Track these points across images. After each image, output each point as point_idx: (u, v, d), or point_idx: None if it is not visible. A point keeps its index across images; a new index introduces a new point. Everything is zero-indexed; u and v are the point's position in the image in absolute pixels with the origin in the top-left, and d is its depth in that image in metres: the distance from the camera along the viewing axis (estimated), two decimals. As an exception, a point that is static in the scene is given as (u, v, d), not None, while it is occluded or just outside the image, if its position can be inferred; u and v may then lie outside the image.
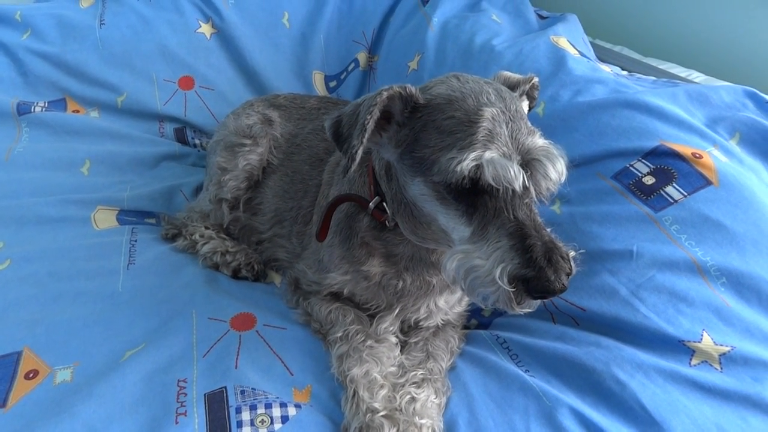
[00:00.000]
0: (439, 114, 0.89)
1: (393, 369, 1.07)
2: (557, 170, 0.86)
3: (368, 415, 0.96)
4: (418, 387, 1.01)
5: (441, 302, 1.17)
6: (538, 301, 0.86)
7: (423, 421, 0.95)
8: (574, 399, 0.99)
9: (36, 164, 1.69)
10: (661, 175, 1.21)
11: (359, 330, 1.11)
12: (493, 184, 0.82)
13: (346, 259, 1.14)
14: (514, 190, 0.83)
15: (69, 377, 1.02)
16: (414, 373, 1.05)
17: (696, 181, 1.18)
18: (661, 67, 1.90)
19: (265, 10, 2.13)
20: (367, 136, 0.88)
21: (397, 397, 1.00)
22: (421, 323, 1.19)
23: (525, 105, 1.07)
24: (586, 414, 0.95)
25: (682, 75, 1.82)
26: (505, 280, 0.81)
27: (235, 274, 1.41)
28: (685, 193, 1.17)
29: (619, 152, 1.28)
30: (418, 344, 1.15)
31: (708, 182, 1.17)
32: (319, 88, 2.13)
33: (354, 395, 0.99)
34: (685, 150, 1.22)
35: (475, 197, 0.86)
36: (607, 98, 1.38)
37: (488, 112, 0.86)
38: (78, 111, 1.96)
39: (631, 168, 1.25)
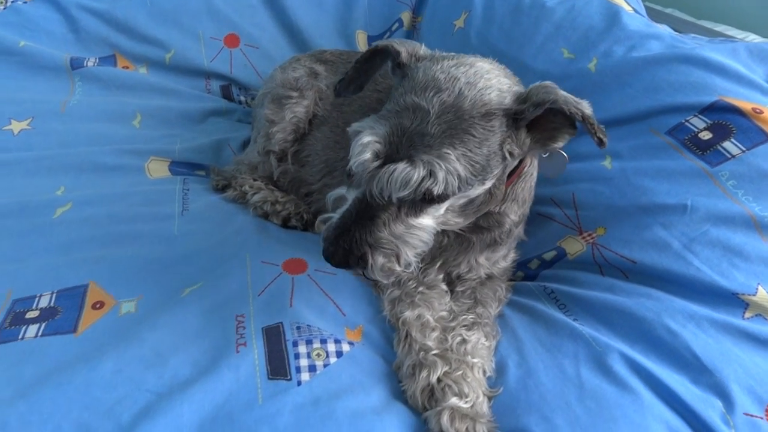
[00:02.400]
0: (402, 82, 0.96)
1: (444, 314, 1.09)
2: (396, 180, 0.86)
3: (421, 353, 0.98)
4: (469, 329, 1.04)
5: (482, 259, 1.19)
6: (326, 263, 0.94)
7: (475, 360, 0.97)
8: (624, 346, 1.00)
9: (90, 116, 1.74)
10: (718, 131, 1.20)
11: (411, 276, 1.13)
12: (351, 155, 0.89)
13: None
14: (361, 179, 0.90)
15: (133, 309, 1.07)
16: (464, 317, 1.07)
17: (756, 136, 1.16)
18: (716, 29, 1.84)
19: (309, -31, 2.13)
20: (351, 74, 1.05)
21: (449, 338, 1.02)
22: (463, 276, 1.21)
23: (567, 134, 0.96)
24: (637, 359, 0.96)
25: (738, 37, 1.76)
26: (325, 227, 0.94)
27: (285, 223, 1.44)
28: (744, 149, 1.15)
29: (675, 107, 1.26)
30: (466, 292, 1.17)
31: (768, 137, 1.15)
32: (362, 47, 2.13)
33: (406, 336, 1.02)
34: (745, 105, 1.19)
35: None
36: (663, 53, 1.35)
37: (415, 103, 0.88)
38: (127, 67, 2.00)
39: (686, 123, 1.23)
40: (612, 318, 1.06)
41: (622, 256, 1.15)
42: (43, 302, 1.09)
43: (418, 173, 0.85)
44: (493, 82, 0.92)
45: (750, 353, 0.97)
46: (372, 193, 0.89)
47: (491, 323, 1.09)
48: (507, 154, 0.94)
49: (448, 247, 1.16)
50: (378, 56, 1.03)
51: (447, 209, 0.97)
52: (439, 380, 0.94)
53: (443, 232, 1.13)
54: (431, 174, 0.85)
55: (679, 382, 0.93)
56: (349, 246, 0.90)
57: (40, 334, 1.01)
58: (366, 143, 0.87)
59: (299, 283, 1.15)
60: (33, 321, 1.04)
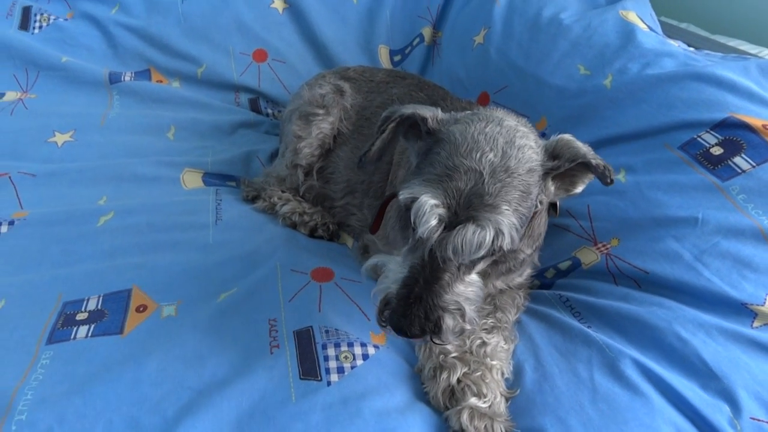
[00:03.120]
0: (438, 146, 0.96)
1: None
2: (471, 242, 0.87)
3: (441, 356, 1.04)
4: (488, 333, 1.09)
5: (498, 283, 1.24)
6: (396, 336, 0.92)
7: (493, 363, 1.03)
8: (636, 353, 1.05)
9: (128, 129, 1.85)
10: (729, 146, 1.24)
11: None
12: (412, 219, 0.90)
13: (405, 244, 1.22)
14: (428, 245, 0.90)
15: (174, 312, 1.16)
16: (484, 321, 1.12)
17: (765, 152, 1.20)
18: (730, 44, 1.87)
19: (334, -14, 2.21)
20: (378, 144, 1.04)
21: (468, 341, 1.08)
22: None
23: (586, 180, 1.06)
24: (648, 365, 1.01)
25: (753, 52, 1.79)
26: (381, 297, 0.93)
27: (312, 233, 1.52)
28: (754, 164, 1.20)
29: (687, 123, 1.30)
30: (486, 299, 1.21)
31: (778, 153, 1.19)
32: (384, 61, 2.20)
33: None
34: (756, 122, 1.24)
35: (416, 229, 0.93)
36: (676, 71, 1.40)
37: (465, 165, 0.90)
38: (161, 81, 2.10)
39: (698, 139, 1.28)
40: (625, 326, 1.11)
41: (635, 267, 1.19)
42: (91, 305, 1.17)
43: (490, 233, 0.87)
44: (524, 141, 0.97)
45: (758, 360, 1.01)
46: (443, 256, 0.89)
47: (510, 328, 1.15)
48: (538, 204, 1.01)
49: None
50: (402, 125, 1.06)
51: None
52: (458, 381, 1.00)
53: None
54: (499, 232, 0.88)
55: (689, 388, 0.98)
56: (425, 314, 0.89)
57: (90, 334, 1.09)
58: (430, 209, 0.88)
59: (327, 290, 1.22)
60: (83, 322, 1.13)
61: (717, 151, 1.25)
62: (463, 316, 0.92)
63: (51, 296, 1.19)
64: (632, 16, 1.64)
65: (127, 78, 2.03)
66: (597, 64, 1.53)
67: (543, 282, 1.35)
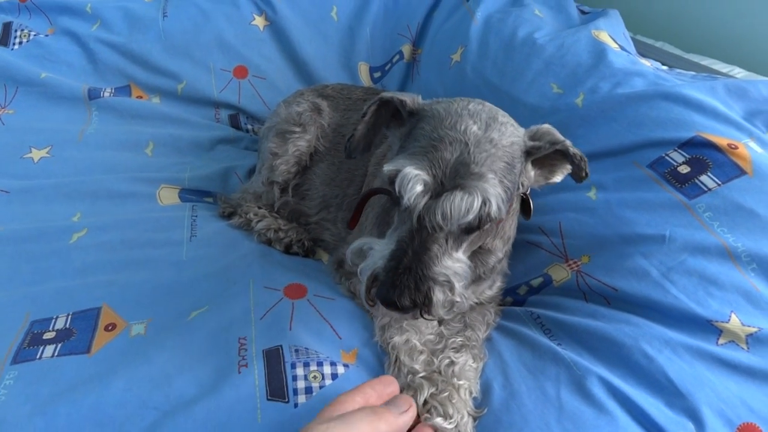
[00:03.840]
0: (421, 122, 0.98)
1: (431, 337, 1.15)
2: (459, 208, 0.87)
3: (409, 376, 1.04)
4: (457, 352, 1.09)
5: (467, 293, 1.23)
6: (390, 311, 0.91)
7: (461, 383, 1.03)
8: (603, 370, 1.05)
9: (106, 144, 1.84)
10: (696, 165, 1.26)
11: None
12: (397, 190, 0.89)
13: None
14: (415, 213, 0.90)
15: (143, 331, 1.15)
16: (453, 339, 1.13)
17: (730, 170, 1.22)
18: (702, 63, 1.92)
19: (315, 4, 2.24)
20: (361, 129, 1.06)
21: (436, 360, 1.08)
22: None
23: (565, 170, 1.09)
24: (615, 383, 1.01)
25: (724, 71, 1.84)
26: (368, 273, 0.91)
27: (287, 250, 1.52)
28: (720, 182, 1.22)
29: (656, 142, 1.32)
30: (456, 317, 1.22)
31: (743, 172, 1.21)
32: (365, 78, 2.22)
33: (396, 360, 1.08)
34: (721, 141, 1.26)
35: (400, 205, 0.94)
36: (645, 90, 1.42)
37: (450, 136, 0.92)
38: (141, 97, 2.11)
39: (666, 157, 1.30)
40: (593, 343, 1.11)
41: (605, 284, 1.20)
42: (59, 324, 1.16)
43: (477, 199, 0.87)
44: (507, 119, 1.01)
45: (722, 378, 1.01)
46: (431, 224, 0.89)
47: (479, 346, 1.15)
48: (520, 185, 1.02)
49: None
50: (383, 108, 1.08)
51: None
52: (425, 402, 1.00)
53: None
54: (486, 200, 0.88)
55: (654, 405, 0.98)
56: (415, 284, 0.87)
57: (56, 354, 1.08)
58: (413, 176, 0.88)
59: (299, 308, 1.22)
60: (50, 342, 1.11)
61: (684, 169, 1.27)
62: (452, 289, 0.91)
63: (19, 315, 1.17)
64: (604, 36, 1.67)
65: (107, 94, 2.03)
66: (569, 83, 1.56)
67: (515, 299, 1.36)
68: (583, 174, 1.05)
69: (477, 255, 1.15)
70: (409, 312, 0.90)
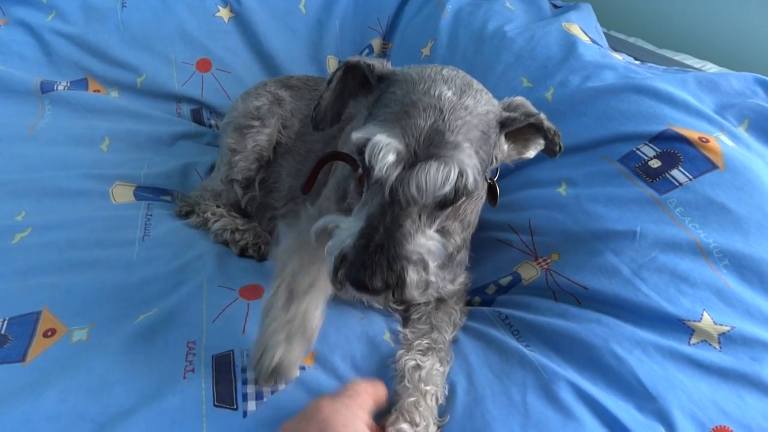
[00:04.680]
0: (392, 87, 0.92)
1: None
2: (435, 178, 0.81)
3: None
4: (423, 355, 1.04)
5: (441, 273, 1.18)
6: (360, 294, 0.85)
7: (428, 388, 0.97)
8: (572, 373, 1.01)
9: (58, 140, 1.74)
10: (667, 159, 1.23)
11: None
12: (367, 161, 0.83)
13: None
14: (387, 186, 0.83)
15: (85, 336, 1.07)
16: (419, 341, 1.07)
17: (702, 164, 1.19)
18: (675, 58, 1.89)
19: (282, -5, 2.17)
20: (327, 97, 0.99)
21: (402, 362, 1.02)
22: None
23: (538, 145, 1.05)
24: (583, 387, 0.97)
25: (696, 66, 1.82)
26: (336, 253, 0.84)
27: (242, 253, 1.44)
28: (691, 177, 1.18)
29: (626, 136, 1.29)
30: (422, 318, 1.17)
31: (714, 166, 1.18)
32: (333, 73, 2.16)
33: None
34: (692, 134, 1.23)
35: (370, 178, 0.87)
36: (615, 83, 1.39)
37: (424, 102, 0.86)
38: (99, 91, 2.01)
39: (637, 151, 1.26)
40: (562, 344, 1.07)
41: (575, 282, 1.16)
42: (-6, 329, 1.08)
43: (454, 170, 0.82)
44: (481, 87, 0.96)
45: (694, 379, 0.98)
46: (405, 197, 0.83)
47: (446, 348, 1.09)
48: (494, 158, 0.97)
49: None
50: (350, 74, 1.00)
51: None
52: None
53: None
54: (462, 171, 0.82)
55: (624, 409, 0.94)
56: (387, 264, 0.80)
57: (-12, 362, 1.00)
58: (385, 145, 0.82)
59: (254, 309, 1.15)
60: (-18, 349, 1.03)
61: (655, 164, 1.24)
62: (426, 268, 0.84)
63: (-52, 321, 1.09)
64: (575, 29, 1.64)
65: (62, 87, 1.93)
66: (539, 76, 1.52)
67: (483, 299, 1.31)
68: (557, 148, 1.02)
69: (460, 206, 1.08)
70: (381, 294, 0.82)
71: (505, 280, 1.28)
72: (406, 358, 1.03)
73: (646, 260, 1.12)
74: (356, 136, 0.85)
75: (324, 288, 0.96)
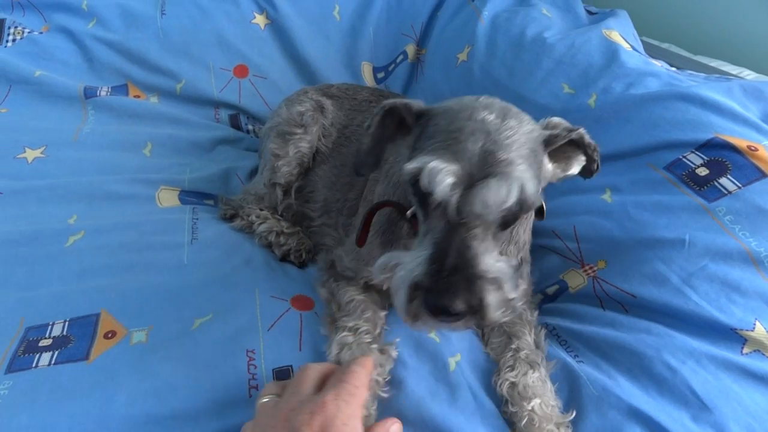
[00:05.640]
0: (433, 120, 0.92)
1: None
2: (498, 195, 0.81)
3: None
4: (512, 369, 1.03)
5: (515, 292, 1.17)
6: (439, 324, 0.81)
7: (533, 403, 0.97)
8: (623, 383, 1.01)
9: (102, 145, 1.79)
10: (715, 167, 1.22)
11: (368, 331, 1.09)
12: (425, 187, 0.82)
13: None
14: (452, 207, 0.82)
15: (144, 339, 1.09)
16: (503, 359, 1.06)
17: (751, 173, 1.19)
18: (711, 64, 1.88)
19: (317, 3, 2.19)
20: (368, 143, 0.99)
21: (498, 388, 1.03)
22: None
23: (579, 162, 1.03)
24: (634, 402, 0.97)
25: (733, 72, 1.80)
26: (407, 283, 0.81)
27: (284, 258, 1.46)
28: (740, 185, 1.18)
29: (672, 144, 1.29)
30: (494, 329, 1.15)
31: (763, 174, 1.17)
32: (368, 78, 2.18)
33: None
34: (740, 143, 1.23)
35: (428, 204, 0.87)
36: (660, 91, 1.39)
37: (470, 126, 0.86)
38: (139, 96, 2.05)
39: (684, 159, 1.26)
40: (612, 353, 1.07)
41: (622, 290, 1.17)
42: (56, 330, 1.11)
43: (515, 183, 0.81)
44: (519, 110, 0.95)
45: (749, 390, 0.98)
46: (470, 215, 0.82)
47: (533, 351, 1.08)
48: (542, 178, 0.96)
49: None
50: (387, 118, 1.00)
51: None
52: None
53: None
54: (522, 185, 0.82)
55: (677, 421, 0.94)
56: (467, 284, 0.78)
57: (53, 362, 1.03)
58: (441, 168, 0.81)
59: (307, 320, 1.17)
60: (46, 349, 1.06)
61: (703, 171, 1.24)
62: (501, 288, 0.81)
63: (13, 321, 1.12)
64: (615, 36, 1.64)
65: (103, 93, 1.98)
66: (581, 83, 1.52)
67: (530, 307, 1.31)
68: (595, 166, 1.00)
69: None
70: (461, 319, 0.79)
71: (551, 289, 1.29)
72: (499, 381, 1.03)
73: (696, 269, 1.12)
74: (410, 167, 0.85)
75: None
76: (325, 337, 1.11)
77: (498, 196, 0.81)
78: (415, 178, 0.85)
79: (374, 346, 1.05)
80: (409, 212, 1.04)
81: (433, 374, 1.04)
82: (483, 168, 0.83)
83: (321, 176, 1.57)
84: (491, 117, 0.88)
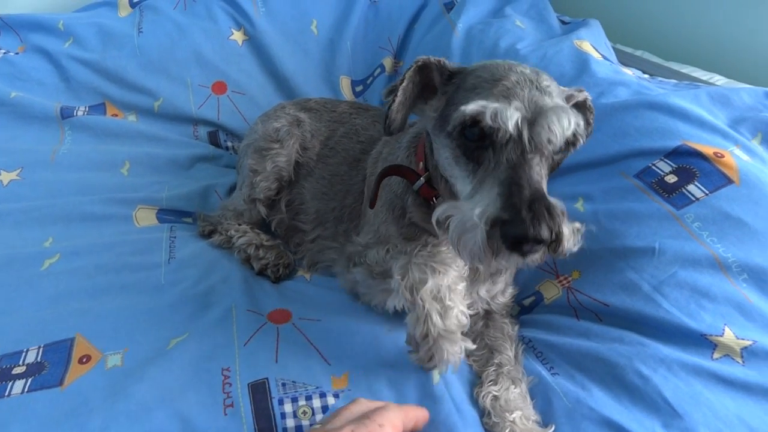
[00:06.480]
0: (469, 76, 0.96)
1: (461, 287, 1.01)
2: (561, 123, 0.86)
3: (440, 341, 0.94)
4: (495, 384, 1.06)
5: (482, 291, 1.20)
6: (517, 258, 0.82)
7: (514, 415, 0.99)
8: (597, 393, 1.03)
9: (79, 165, 1.77)
10: (683, 174, 1.25)
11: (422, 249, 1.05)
12: (489, 122, 0.85)
13: (402, 235, 1.17)
14: (514, 144, 0.86)
15: (119, 362, 1.09)
16: (486, 372, 1.09)
17: (717, 179, 1.21)
18: (682, 70, 1.92)
19: (294, 17, 2.20)
20: (399, 97, 0.97)
21: (480, 400, 1.04)
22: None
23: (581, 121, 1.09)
24: (607, 413, 0.99)
25: (704, 78, 1.84)
26: (484, 220, 0.81)
27: (260, 272, 1.46)
28: (707, 191, 1.20)
29: (642, 152, 1.31)
30: (475, 340, 1.17)
31: (729, 181, 1.20)
32: (346, 92, 2.20)
33: (425, 317, 0.95)
34: (707, 149, 1.25)
35: (480, 152, 0.90)
36: (629, 99, 1.41)
37: (513, 76, 0.91)
38: (117, 115, 2.04)
39: (653, 167, 1.29)
40: (586, 363, 1.09)
41: (596, 300, 1.18)
42: (30, 357, 1.10)
43: (570, 114, 0.87)
44: None
45: (719, 395, 0.99)
46: (541, 142, 0.86)
47: (514, 366, 1.11)
48: None
49: None
50: (421, 73, 1.01)
51: None
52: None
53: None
54: (576, 119, 0.89)
55: (650, 430, 0.95)
56: (547, 212, 0.80)
57: (26, 389, 1.02)
58: (505, 108, 0.85)
59: (284, 333, 1.17)
60: (20, 377, 1.05)
61: (671, 179, 1.26)
62: (567, 219, 0.84)
63: (-14, 350, 1.11)
64: (586, 46, 1.67)
65: (80, 112, 1.97)
66: (553, 93, 1.54)
67: (507, 318, 1.33)
68: (590, 130, 1.12)
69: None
70: (541, 250, 0.81)
71: (528, 301, 1.30)
72: (482, 394, 1.05)
73: (666, 276, 1.14)
74: (469, 108, 0.87)
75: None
76: (301, 347, 1.13)
77: (562, 123, 0.86)
78: (474, 120, 0.87)
79: (437, 257, 1.01)
80: (421, 178, 1.07)
81: (417, 387, 1.06)
82: (537, 107, 0.88)
83: (308, 188, 1.58)
84: (527, 71, 0.94)
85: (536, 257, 0.83)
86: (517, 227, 0.78)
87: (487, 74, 0.94)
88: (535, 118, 0.87)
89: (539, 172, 0.87)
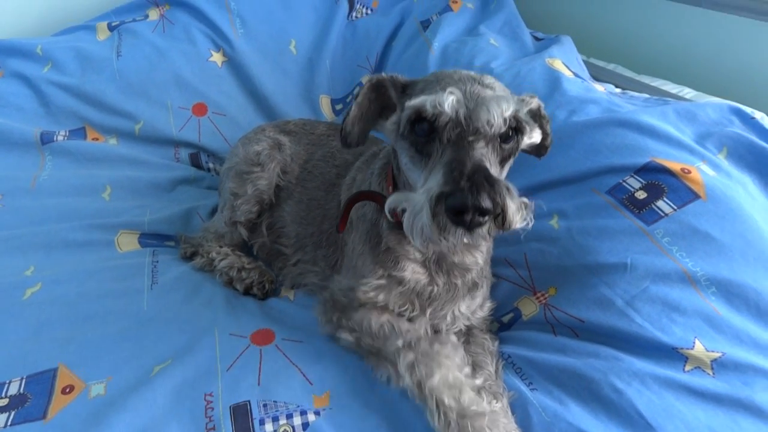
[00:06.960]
0: (419, 84, 1.04)
1: (467, 370, 1.08)
2: (500, 105, 0.92)
3: (460, 421, 0.96)
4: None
5: (463, 307, 1.23)
6: (462, 233, 0.84)
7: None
8: (574, 408, 1.05)
9: (60, 191, 1.78)
10: (652, 190, 1.29)
11: (420, 336, 1.10)
12: (429, 110, 0.92)
13: (379, 263, 1.19)
14: (453, 124, 0.92)
15: (103, 391, 1.10)
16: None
17: (685, 195, 1.25)
18: (653, 84, 1.98)
19: (273, 38, 2.23)
20: (354, 111, 1.07)
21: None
22: (447, 329, 1.23)
23: (537, 134, 1.18)
24: (584, 427, 1.00)
25: (674, 91, 1.90)
26: (428, 198, 0.84)
27: (246, 291, 1.48)
28: (675, 207, 1.24)
29: (613, 168, 1.35)
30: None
31: (696, 196, 1.24)
32: (326, 111, 2.22)
33: (437, 407, 0.98)
34: (675, 165, 1.29)
35: (430, 145, 0.95)
36: (600, 117, 1.46)
37: (457, 76, 0.99)
38: (97, 139, 2.05)
39: (624, 183, 1.32)
40: (563, 379, 1.10)
41: (572, 316, 1.21)
42: (13, 389, 1.10)
43: (509, 100, 0.94)
44: None
45: (691, 407, 1.02)
46: (477, 126, 0.91)
47: (495, 381, 1.13)
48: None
49: (437, 297, 1.20)
50: (373, 93, 1.09)
51: None
52: None
53: (432, 280, 1.17)
54: (515, 106, 0.95)
55: (625, 443, 0.98)
56: (487, 182, 0.82)
57: (9, 423, 1.03)
58: (446, 94, 0.91)
59: (267, 354, 1.19)
60: (3, 410, 1.06)
61: (641, 195, 1.29)
62: (513, 195, 0.86)
63: (-33, 383, 1.11)
64: (558, 64, 1.71)
65: (61, 137, 1.97)
66: (527, 112, 1.58)
67: (486, 335, 1.35)
68: (549, 140, 1.20)
69: (466, 252, 1.17)
70: (486, 223, 0.83)
71: (506, 317, 1.32)
72: None
73: (638, 291, 1.17)
74: (412, 102, 0.94)
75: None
76: (283, 367, 1.15)
77: (500, 105, 0.92)
78: (418, 113, 0.94)
79: (436, 347, 1.07)
80: (386, 203, 1.07)
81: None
82: (479, 98, 0.94)
83: (288, 212, 1.60)
84: (472, 73, 1.02)
85: (482, 231, 0.84)
86: (456, 197, 0.81)
87: (434, 78, 1.02)
88: (474, 107, 0.92)
89: (485, 155, 0.92)
